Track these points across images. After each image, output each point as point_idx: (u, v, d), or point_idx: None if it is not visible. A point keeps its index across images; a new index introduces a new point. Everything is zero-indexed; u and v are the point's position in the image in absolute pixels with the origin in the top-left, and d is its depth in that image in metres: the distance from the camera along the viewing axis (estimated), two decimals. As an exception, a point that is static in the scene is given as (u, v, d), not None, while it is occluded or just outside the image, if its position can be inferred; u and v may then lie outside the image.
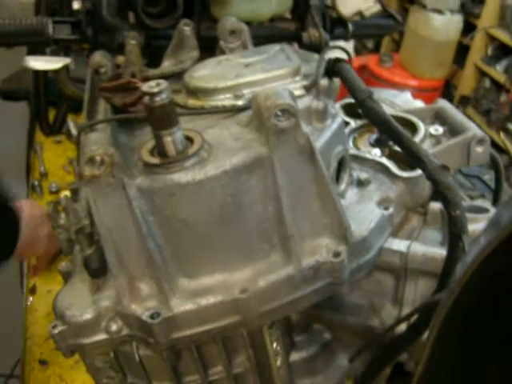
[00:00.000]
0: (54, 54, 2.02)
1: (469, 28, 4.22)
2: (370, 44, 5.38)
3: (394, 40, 4.96)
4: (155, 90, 0.68)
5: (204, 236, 0.74)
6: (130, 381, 0.85)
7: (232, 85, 0.84)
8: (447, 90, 4.60)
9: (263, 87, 0.82)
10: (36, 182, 1.98)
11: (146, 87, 0.69)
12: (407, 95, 1.28)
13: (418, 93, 4.01)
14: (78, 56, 1.93)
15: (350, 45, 5.04)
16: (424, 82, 4.20)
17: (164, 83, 0.69)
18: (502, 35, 3.98)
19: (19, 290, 1.81)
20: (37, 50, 1.80)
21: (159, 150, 0.72)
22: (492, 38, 4.16)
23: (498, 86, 4.13)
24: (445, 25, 4.01)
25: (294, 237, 0.75)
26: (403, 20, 4.27)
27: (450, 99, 4.51)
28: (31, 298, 1.54)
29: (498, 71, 4.05)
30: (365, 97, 0.81)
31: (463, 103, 4.43)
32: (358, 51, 5.27)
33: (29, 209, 1.35)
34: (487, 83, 4.24)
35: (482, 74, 4.30)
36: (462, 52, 4.33)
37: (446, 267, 0.78)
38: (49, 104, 1.99)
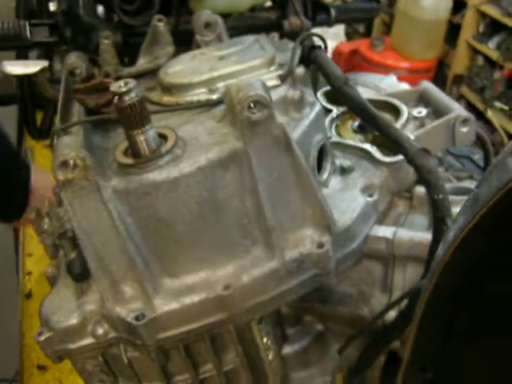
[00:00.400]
0: (40, 56, 2.01)
1: (459, 6, 4.19)
2: (361, 28, 5.35)
3: (385, 23, 4.92)
4: (123, 89, 0.67)
5: (183, 234, 0.73)
6: (121, 383, 0.85)
7: (206, 79, 0.83)
8: (440, 69, 4.57)
9: (237, 79, 0.81)
10: (28, 187, 1.97)
11: (114, 87, 0.68)
12: (392, 78, 1.26)
13: (411, 75, 3.99)
14: (62, 57, 1.92)
15: (340, 29, 5.02)
16: (416, 64, 4.17)
17: (132, 82, 0.68)
18: (492, 11, 3.95)
19: (16, 295, 1.81)
20: (22, 54, 1.78)
21: (133, 149, 0.71)
22: (483, 15, 4.13)
23: (491, 63, 4.11)
24: (434, 4, 3.98)
25: (276, 230, 0.74)
26: (392, 2, 4.25)
27: (444, 79, 4.48)
28: (27, 303, 1.54)
29: (490, 48, 4.02)
30: (341, 83, 0.80)
31: (457, 82, 4.40)
32: (349, 36, 5.25)
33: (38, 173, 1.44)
34: (480, 61, 4.21)
35: (475, 51, 4.27)
36: (453, 31, 4.29)
37: (431, 251, 0.77)
38: (36, 107, 1.98)
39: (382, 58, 4.20)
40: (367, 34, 5.19)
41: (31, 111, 1.89)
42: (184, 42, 1.05)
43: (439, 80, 4.38)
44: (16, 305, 1.82)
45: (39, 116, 2.07)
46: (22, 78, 1.72)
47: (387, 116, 0.98)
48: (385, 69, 3.97)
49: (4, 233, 1.98)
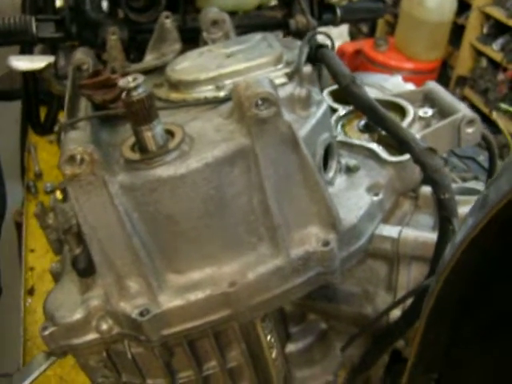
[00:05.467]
0: (44, 52, 2.01)
1: (463, 7, 4.17)
2: (364, 28, 5.33)
3: (389, 23, 4.91)
4: (132, 84, 0.67)
5: (189, 230, 0.73)
6: (124, 379, 0.85)
7: (213, 76, 0.83)
8: (444, 71, 4.56)
9: (245, 77, 0.81)
10: (31, 183, 1.98)
11: (122, 82, 0.68)
12: (398, 79, 1.26)
13: (414, 75, 3.98)
14: (67, 53, 1.92)
15: (344, 29, 5.02)
16: (420, 64, 4.16)
17: (140, 77, 0.68)
18: (497, 13, 3.93)
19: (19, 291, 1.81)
20: (27, 49, 1.78)
21: (140, 145, 0.71)
22: (487, 17, 4.12)
23: (495, 65, 4.10)
24: (439, 5, 3.97)
25: (281, 227, 0.74)
26: (396, 2, 4.24)
27: (447, 80, 4.47)
28: (29, 300, 1.54)
29: (494, 50, 4.01)
30: (348, 82, 0.80)
31: (460, 84, 4.39)
32: (353, 36, 5.23)
33: None
34: (484, 62, 4.20)
35: (479, 53, 4.26)
36: (457, 32, 4.28)
37: (436, 251, 0.77)
38: (40, 103, 1.98)
39: (386, 58, 4.19)
40: (371, 34, 5.18)
41: (35, 107, 1.89)
42: (191, 39, 1.05)
43: (442, 81, 4.37)
44: (18, 300, 1.83)
45: (43, 112, 2.08)
46: (26, 74, 1.72)
47: (393, 116, 0.98)
48: (388, 69, 3.96)
49: (7, 228, 1.98)
